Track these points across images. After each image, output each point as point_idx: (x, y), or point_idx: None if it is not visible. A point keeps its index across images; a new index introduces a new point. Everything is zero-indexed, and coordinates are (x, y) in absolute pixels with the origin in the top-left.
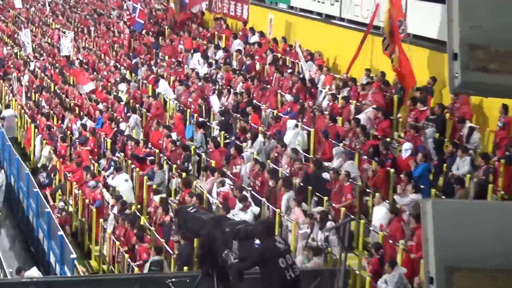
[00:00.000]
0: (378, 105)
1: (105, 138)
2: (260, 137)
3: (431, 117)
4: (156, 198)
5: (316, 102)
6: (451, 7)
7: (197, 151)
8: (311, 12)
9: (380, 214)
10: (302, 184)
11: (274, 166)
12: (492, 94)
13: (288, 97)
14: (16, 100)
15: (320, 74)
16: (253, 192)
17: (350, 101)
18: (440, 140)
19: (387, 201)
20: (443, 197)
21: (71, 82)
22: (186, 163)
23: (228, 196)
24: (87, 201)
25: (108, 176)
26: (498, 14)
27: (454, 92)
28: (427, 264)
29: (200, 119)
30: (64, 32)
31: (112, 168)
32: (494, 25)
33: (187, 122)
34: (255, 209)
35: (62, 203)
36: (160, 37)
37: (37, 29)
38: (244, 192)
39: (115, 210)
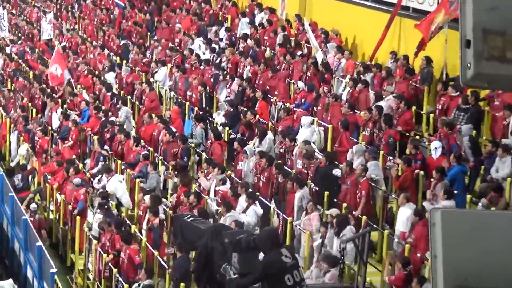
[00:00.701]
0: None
1: (91, 134)
2: (270, 134)
3: (463, 106)
4: (147, 198)
5: (332, 90)
6: None
7: (197, 149)
8: None
9: (403, 216)
10: (312, 181)
11: (281, 163)
12: (510, 88)
13: (300, 84)
14: None
15: (341, 57)
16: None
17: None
18: (475, 137)
19: (412, 203)
20: (480, 204)
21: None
22: (186, 158)
23: (226, 195)
24: (70, 207)
25: (96, 177)
26: None
27: (466, 85)
28: (436, 284)
29: (200, 112)
30: (44, 13)
31: (100, 165)
32: None
33: (186, 116)
34: (258, 209)
35: (34, 205)
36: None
37: (13, 7)
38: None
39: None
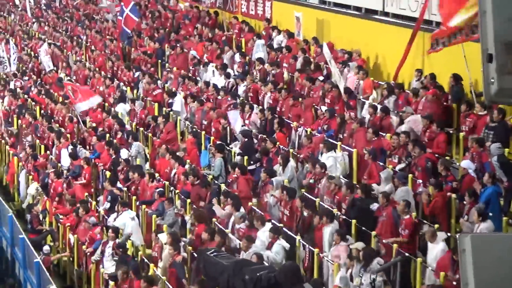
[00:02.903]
0: (434, 115)
1: (104, 169)
2: (292, 162)
3: (491, 124)
4: (162, 237)
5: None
6: None
7: (216, 181)
8: (347, 6)
9: (434, 253)
10: (345, 214)
11: (309, 195)
12: None
13: (324, 109)
14: None
15: (359, 79)
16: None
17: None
18: (505, 156)
19: (444, 232)
20: None
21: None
22: (214, 198)
23: (248, 234)
24: (84, 247)
25: (107, 212)
26: None
27: (491, 102)
28: None
29: (219, 142)
30: (40, 47)
31: (108, 204)
32: None
33: (202, 147)
34: (285, 244)
35: (47, 247)
36: (166, 44)
37: (17, 40)
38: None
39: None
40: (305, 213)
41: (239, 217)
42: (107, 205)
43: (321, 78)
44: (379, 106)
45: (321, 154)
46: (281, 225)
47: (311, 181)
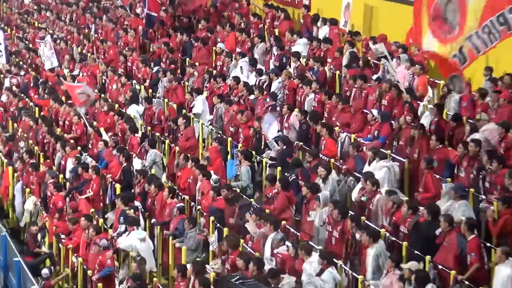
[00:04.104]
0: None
1: (113, 181)
2: (334, 174)
3: None
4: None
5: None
6: None
7: (242, 193)
8: None
9: (502, 276)
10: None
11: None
12: None
13: (375, 113)
14: None
15: (413, 74)
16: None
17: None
18: None
19: None
20: None
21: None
22: (247, 213)
23: (288, 259)
24: (89, 272)
25: (117, 237)
26: None
27: None
28: None
29: (246, 150)
30: (42, 38)
31: (122, 227)
32: None
33: (228, 156)
34: (336, 274)
35: (46, 271)
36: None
37: (12, 30)
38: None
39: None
40: (357, 236)
41: (278, 240)
42: (122, 228)
43: (374, 76)
44: (451, 111)
45: (369, 164)
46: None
47: (363, 198)
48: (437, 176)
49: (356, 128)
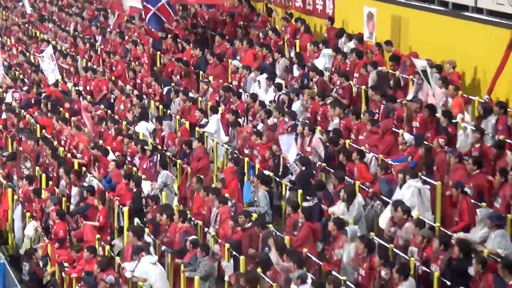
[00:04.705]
0: None
1: (121, 205)
2: (359, 198)
3: None
4: None
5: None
6: None
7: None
8: (431, 1)
9: None
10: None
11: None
12: None
13: (407, 137)
14: None
15: (446, 95)
16: None
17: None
18: None
19: None
20: None
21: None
22: (270, 238)
23: None
24: None
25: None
26: None
27: None
28: None
29: (265, 173)
30: (41, 52)
31: (135, 263)
32: None
33: (245, 178)
34: None
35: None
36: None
37: (14, 41)
38: None
39: None
40: (383, 273)
41: (296, 277)
42: (135, 264)
43: (409, 96)
44: (492, 139)
45: (400, 187)
46: None
47: (393, 230)
48: (473, 201)
49: (383, 150)
